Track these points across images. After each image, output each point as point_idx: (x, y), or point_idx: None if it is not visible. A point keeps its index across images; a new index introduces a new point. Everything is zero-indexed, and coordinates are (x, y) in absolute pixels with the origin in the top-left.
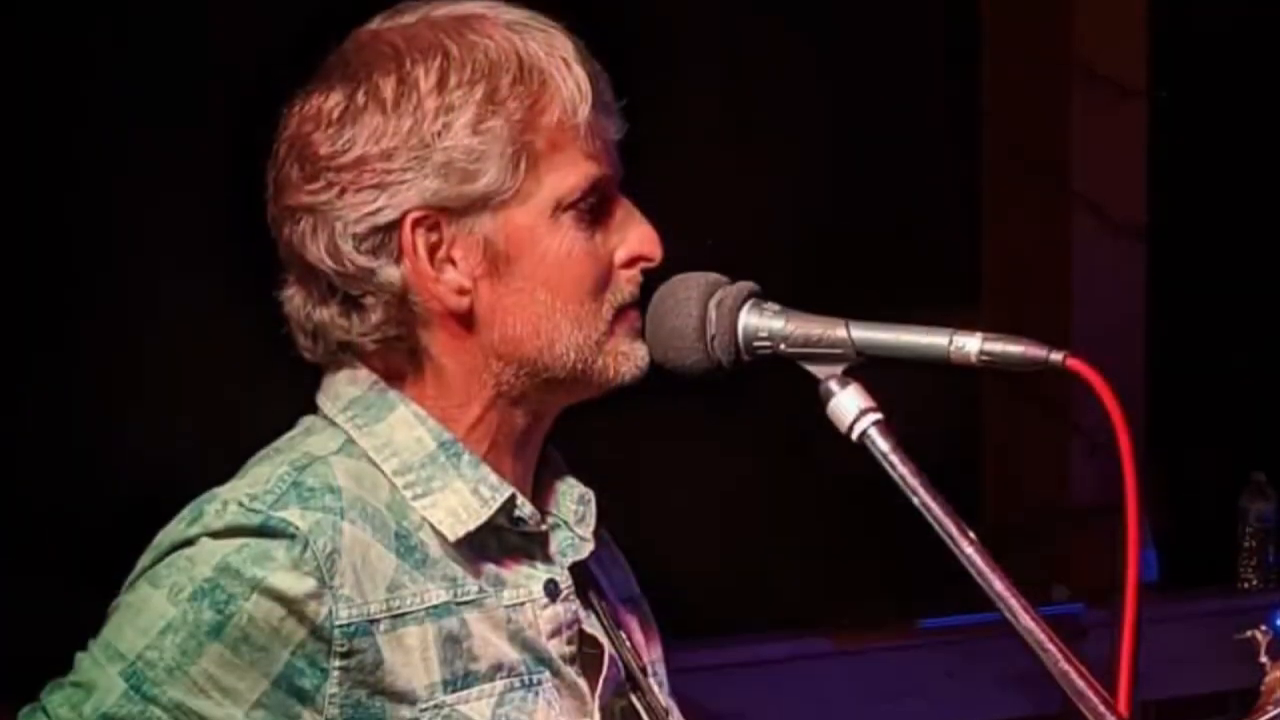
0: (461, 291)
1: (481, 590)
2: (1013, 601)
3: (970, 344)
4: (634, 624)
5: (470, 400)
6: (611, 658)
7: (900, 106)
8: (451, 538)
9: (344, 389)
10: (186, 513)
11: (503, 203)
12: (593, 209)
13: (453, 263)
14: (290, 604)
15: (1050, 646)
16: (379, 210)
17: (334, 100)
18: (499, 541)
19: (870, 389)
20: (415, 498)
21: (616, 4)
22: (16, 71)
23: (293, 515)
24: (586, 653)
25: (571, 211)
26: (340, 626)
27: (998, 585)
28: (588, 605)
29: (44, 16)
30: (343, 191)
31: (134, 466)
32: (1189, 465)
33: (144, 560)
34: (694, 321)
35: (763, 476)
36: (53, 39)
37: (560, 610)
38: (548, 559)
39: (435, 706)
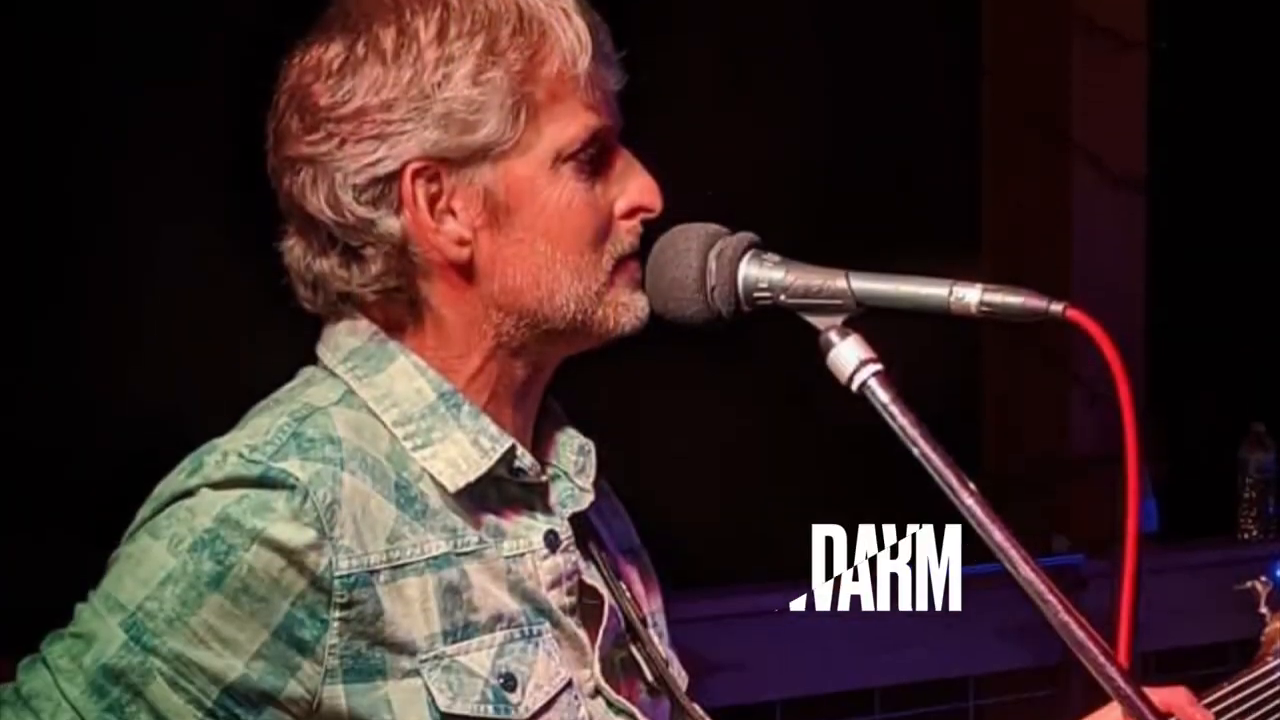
0: (461, 242)
1: (481, 541)
2: (1013, 552)
3: (970, 295)
4: (634, 575)
5: (470, 351)
6: (611, 608)
7: (899, 59)
8: (451, 488)
9: (344, 340)
10: (186, 464)
11: (503, 153)
12: (592, 160)
13: (453, 213)
14: (290, 555)
15: (1050, 597)
16: (379, 161)
17: (334, 51)
18: (499, 492)
19: (870, 340)
20: (415, 448)
21: None
22: (16, 24)
23: (293, 466)
24: (586, 604)
25: (571, 162)
26: (340, 577)
27: (998, 536)
28: (588, 556)
29: None
30: (343, 142)
31: (133, 417)
32: (1189, 416)
33: (144, 511)
34: (694, 272)
35: (763, 427)
36: None
37: (560, 561)
38: (548, 510)
39: (435, 657)
